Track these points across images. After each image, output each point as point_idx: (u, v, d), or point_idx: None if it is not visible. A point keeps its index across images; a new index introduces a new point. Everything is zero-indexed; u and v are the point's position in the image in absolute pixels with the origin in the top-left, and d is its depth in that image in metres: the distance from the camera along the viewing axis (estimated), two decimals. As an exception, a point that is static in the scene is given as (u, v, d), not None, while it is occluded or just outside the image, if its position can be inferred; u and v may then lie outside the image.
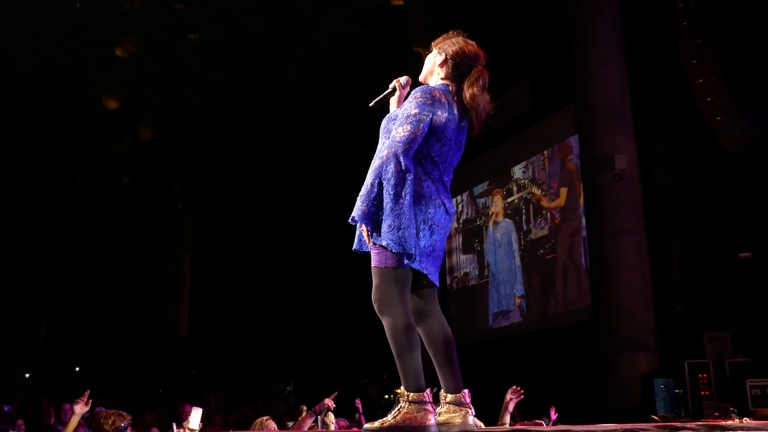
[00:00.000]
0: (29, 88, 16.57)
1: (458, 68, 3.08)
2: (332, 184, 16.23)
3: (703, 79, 9.50)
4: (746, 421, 5.41)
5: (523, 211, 12.69)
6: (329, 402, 5.47)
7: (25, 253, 20.17)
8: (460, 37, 3.14)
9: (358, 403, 7.37)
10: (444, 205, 2.97)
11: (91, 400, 4.52)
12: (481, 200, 14.00)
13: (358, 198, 2.87)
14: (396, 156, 2.81)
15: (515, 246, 12.89)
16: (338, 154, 16.16)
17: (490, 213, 13.69)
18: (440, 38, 3.18)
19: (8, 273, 19.41)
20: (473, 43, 3.14)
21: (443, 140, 2.94)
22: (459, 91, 3.04)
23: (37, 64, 15.53)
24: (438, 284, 3.05)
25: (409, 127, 2.85)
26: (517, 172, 12.91)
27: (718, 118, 9.33)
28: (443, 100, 2.96)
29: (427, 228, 2.90)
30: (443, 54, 3.11)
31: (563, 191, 11.81)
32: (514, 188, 13.03)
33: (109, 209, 20.30)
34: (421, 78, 3.19)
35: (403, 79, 3.32)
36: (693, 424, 2.64)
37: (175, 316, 20.98)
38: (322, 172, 17.37)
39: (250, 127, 17.17)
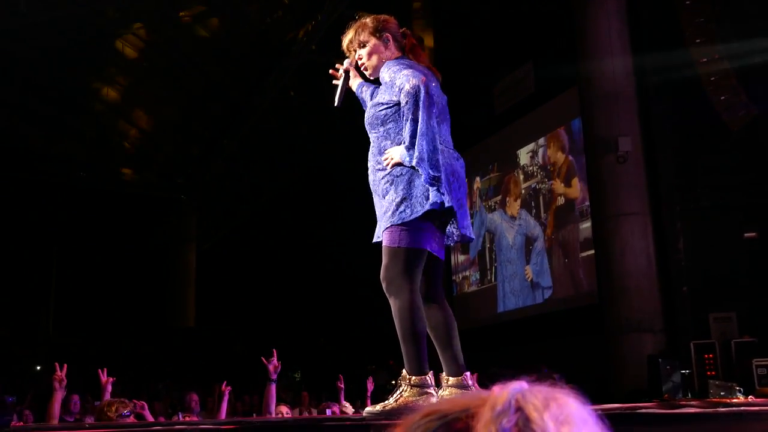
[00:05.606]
0: (31, 80, 16.55)
1: (397, 40, 3.04)
2: (338, 174, 16.18)
3: (707, 59, 9.44)
4: (750, 399, 5.41)
5: (532, 203, 12.41)
6: (268, 363, 5.42)
7: (30, 247, 20.22)
8: (367, 18, 3.04)
9: (370, 383, 7.45)
10: (459, 159, 2.92)
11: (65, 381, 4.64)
12: (482, 189, 13.59)
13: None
14: (419, 92, 2.71)
15: (539, 243, 12.14)
16: (344, 143, 16.11)
17: (502, 202, 12.95)
18: (351, 33, 3.07)
19: (15, 267, 19.46)
20: (381, 16, 3.06)
21: (433, 100, 2.84)
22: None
23: (38, 55, 15.49)
24: (473, 236, 2.99)
25: (419, 75, 2.76)
26: (524, 157, 12.54)
27: (722, 98, 9.28)
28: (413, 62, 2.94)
29: (455, 180, 2.85)
30: (375, 37, 3.02)
31: (574, 181, 11.58)
32: (521, 176, 12.64)
33: (113, 201, 20.31)
34: (374, 75, 3.10)
35: (347, 62, 3.26)
36: (695, 403, 2.64)
37: (181, 307, 21.01)
38: (328, 162, 17.33)
39: (254, 116, 17.11)
